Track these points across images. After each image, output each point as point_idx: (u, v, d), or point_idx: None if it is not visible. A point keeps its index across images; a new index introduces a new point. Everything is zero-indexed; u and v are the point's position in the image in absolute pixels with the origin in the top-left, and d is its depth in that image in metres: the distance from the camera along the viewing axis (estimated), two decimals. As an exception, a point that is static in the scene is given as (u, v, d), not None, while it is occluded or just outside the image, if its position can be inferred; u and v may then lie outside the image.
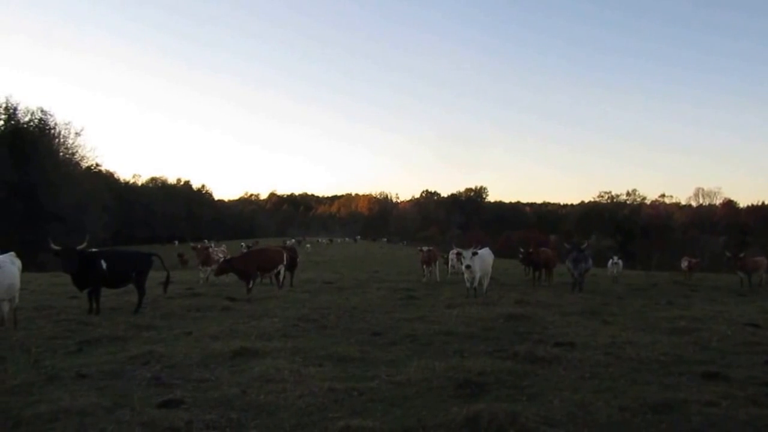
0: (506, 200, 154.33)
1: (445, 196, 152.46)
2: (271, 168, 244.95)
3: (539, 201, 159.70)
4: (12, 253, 10.50)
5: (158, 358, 7.39)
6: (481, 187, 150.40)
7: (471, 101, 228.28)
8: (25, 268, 11.11)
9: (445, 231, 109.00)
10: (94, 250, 12.50)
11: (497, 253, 19.34)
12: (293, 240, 32.41)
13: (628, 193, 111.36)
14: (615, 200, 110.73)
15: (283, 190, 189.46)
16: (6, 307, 10.02)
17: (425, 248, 22.92)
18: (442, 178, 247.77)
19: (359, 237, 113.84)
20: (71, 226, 49.31)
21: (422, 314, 11.70)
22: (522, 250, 23.29)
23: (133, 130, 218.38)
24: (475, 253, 14.78)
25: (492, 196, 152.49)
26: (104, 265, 11.72)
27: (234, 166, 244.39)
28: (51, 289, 16.80)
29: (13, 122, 62.10)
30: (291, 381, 6.24)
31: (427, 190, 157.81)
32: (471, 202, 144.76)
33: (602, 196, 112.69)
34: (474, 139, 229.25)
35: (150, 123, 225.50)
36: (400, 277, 22.83)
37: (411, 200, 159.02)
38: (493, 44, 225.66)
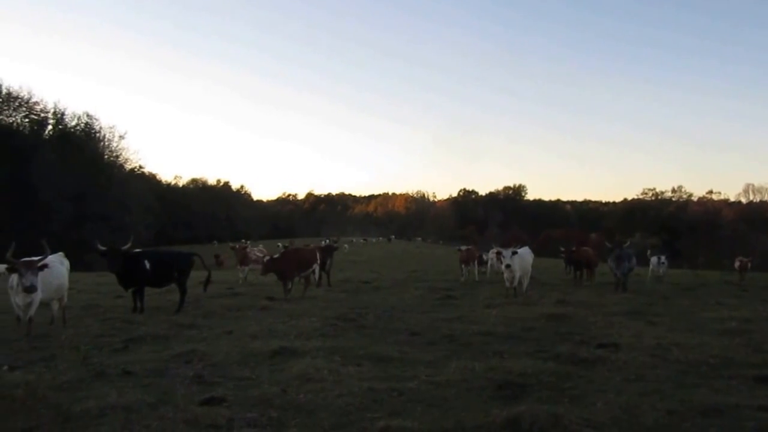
0: (546, 198, 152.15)
1: (483, 194, 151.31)
2: (308, 168, 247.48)
3: (580, 199, 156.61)
4: (61, 253, 10.84)
5: (200, 356, 7.51)
6: (520, 185, 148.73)
7: (508, 99, 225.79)
8: (73, 268, 11.44)
9: (483, 230, 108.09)
10: (138, 250, 12.82)
11: (537, 252, 19.02)
12: (327, 240, 32.67)
13: (673, 190, 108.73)
14: (660, 197, 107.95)
15: (321, 190, 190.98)
16: (56, 306, 10.37)
17: (463, 247, 22.74)
18: (480, 176, 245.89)
19: (393, 236, 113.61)
20: (116, 226, 50.86)
21: (461, 314, 11.60)
22: (563, 249, 22.84)
23: (174, 132, 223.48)
24: (514, 252, 14.56)
25: (531, 194, 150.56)
26: (148, 265, 11.99)
27: (272, 167, 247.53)
28: (97, 289, 17.29)
29: (61, 127, 64.38)
30: (330, 380, 6.25)
31: (464, 189, 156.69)
32: (509, 200, 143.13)
33: (646, 193, 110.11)
34: (512, 136, 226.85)
35: (191, 125, 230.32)
36: (437, 277, 22.69)
37: (448, 199, 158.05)
38: (527, 42, 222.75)
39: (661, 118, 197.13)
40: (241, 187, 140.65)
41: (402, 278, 22.50)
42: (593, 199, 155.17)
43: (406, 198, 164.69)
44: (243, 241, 29.96)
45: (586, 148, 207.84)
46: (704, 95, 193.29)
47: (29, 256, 9.31)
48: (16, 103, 60.17)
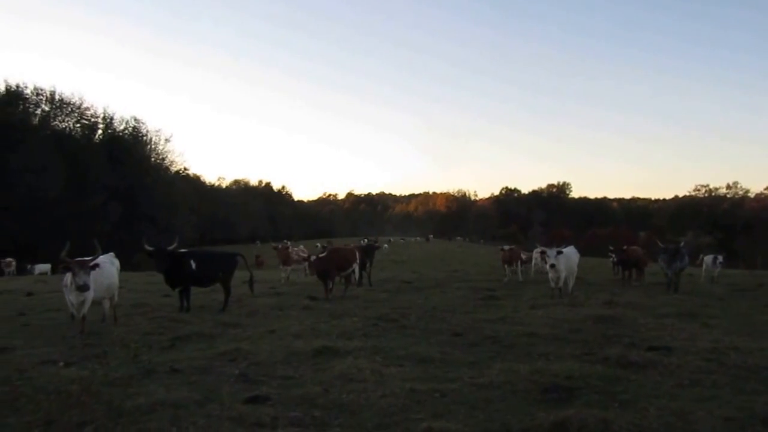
0: (591, 196, 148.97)
1: (526, 192, 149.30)
2: (349, 168, 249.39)
3: (628, 196, 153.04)
4: (111, 253, 11.17)
5: (244, 355, 7.60)
6: (564, 183, 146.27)
7: (552, 97, 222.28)
8: (123, 268, 11.77)
9: (526, 229, 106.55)
10: (184, 250, 13.09)
11: (582, 252, 18.56)
12: (365, 240, 32.85)
13: (728, 186, 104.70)
14: (713, 194, 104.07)
15: (361, 190, 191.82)
16: (107, 304, 10.70)
17: (506, 247, 22.44)
18: (522, 174, 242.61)
19: (432, 236, 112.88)
20: (162, 227, 52.21)
21: (504, 315, 11.41)
22: (612, 248, 22.24)
23: (217, 134, 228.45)
24: (559, 252, 14.24)
25: (576, 192, 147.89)
26: (194, 265, 12.24)
27: (313, 168, 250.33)
28: (146, 288, 17.76)
29: (110, 131, 66.55)
30: (372, 381, 6.23)
31: (506, 187, 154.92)
32: (554, 198, 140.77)
33: (699, 190, 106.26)
34: (556, 134, 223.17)
35: (233, 127, 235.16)
36: (480, 277, 22.44)
37: (490, 197, 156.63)
38: (570, 39, 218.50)
39: (714, 113, 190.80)
40: (283, 187, 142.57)
41: (443, 278, 22.34)
42: (642, 196, 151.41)
43: (447, 197, 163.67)
44: (285, 241, 30.30)
45: (634, 144, 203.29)
46: (759, 90, 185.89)
47: (82, 256, 9.61)
48: (69, 109, 62.57)
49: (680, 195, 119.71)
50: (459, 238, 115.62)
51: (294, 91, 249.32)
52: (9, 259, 35.91)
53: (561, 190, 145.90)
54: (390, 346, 8.26)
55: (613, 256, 21.98)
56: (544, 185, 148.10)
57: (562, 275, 14.42)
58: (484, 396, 5.78)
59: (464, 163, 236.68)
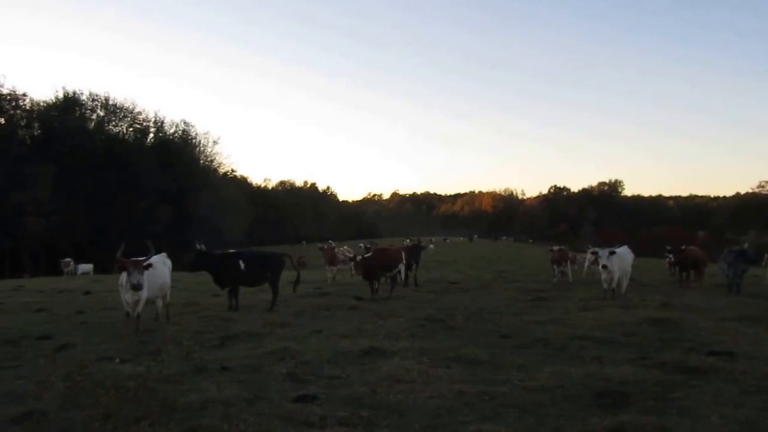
0: (645, 194, 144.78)
1: (576, 191, 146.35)
2: (394, 168, 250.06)
3: (684, 194, 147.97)
4: (164, 253, 11.45)
5: (292, 354, 7.66)
6: (616, 181, 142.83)
7: (603, 94, 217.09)
8: (174, 268, 12.07)
9: (576, 228, 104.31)
10: (233, 251, 13.32)
11: (637, 252, 17.92)
12: (408, 240, 32.77)
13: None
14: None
15: (406, 190, 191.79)
16: (160, 303, 10.98)
17: (556, 247, 21.98)
18: (572, 172, 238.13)
19: (476, 236, 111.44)
20: (211, 228, 53.46)
21: (554, 317, 11.16)
22: (669, 248, 21.46)
23: (264, 136, 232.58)
24: (612, 252, 13.79)
25: (629, 190, 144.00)
26: (242, 265, 12.44)
27: (358, 168, 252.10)
28: (196, 287, 18.17)
29: (161, 134, 68.66)
30: (420, 382, 6.18)
31: (555, 186, 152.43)
32: (605, 196, 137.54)
33: (763, 186, 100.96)
34: (607, 131, 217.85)
35: (279, 129, 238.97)
36: (528, 278, 22.02)
37: (538, 196, 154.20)
38: (624, 36, 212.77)
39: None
40: (328, 188, 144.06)
41: (490, 279, 22.05)
42: (700, 194, 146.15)
43: (494, 196, 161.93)
44: (330, 242, 30.52)
45: (691, 141, 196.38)
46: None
47: (135, 257, 9.88)
48: (122, 114, 65.02)
49: (741, 192, 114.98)
50: (505, 237, 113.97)
51: (339, 93, 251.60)
52: (68, 260, 37.43)
53: (613, 188, 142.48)
54: (437, 347, 8.19)
55: (670, 256, 21.19)
56: (594, 183, 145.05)
57: (616, 276, 14.00)
58: (534, 399, 5.65)
59: (511, 161, 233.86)
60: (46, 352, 8.16)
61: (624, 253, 14.64)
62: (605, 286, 14.07)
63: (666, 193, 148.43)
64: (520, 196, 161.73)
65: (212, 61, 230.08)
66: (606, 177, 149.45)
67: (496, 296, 15.35)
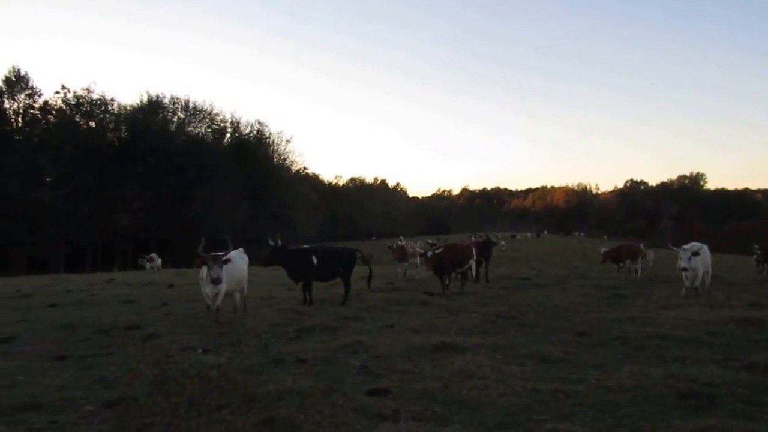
0: (730, 187, 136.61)
1: (654, 184, 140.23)
2: (463, 164, 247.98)
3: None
4: (241, 249, 11.86)
5: (365, 348, 7.78)
6: (698, 174, 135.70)
7: (678, 85, 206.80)
8: (251, 263, 12.50)
9: (654, 223, 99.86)
10: (306, 246, 13.63)
11: (721, 248, 16.99)
12: (474, 236, 32.44)
13: None
14: None
15: (476, 185, 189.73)
16: (238, 296, 11.40)
17: (603, 249, 21.51)
18: (649, 165, 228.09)
19: (546, 231, 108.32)
20: (285, 224, 54.90)
21: (632, 315, 10.78)
22: (757, 245, 20.23)
23: (334, 134, 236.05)
24: (695, 254, 13.05)
25: (711, 183, 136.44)
26: (315, 260, 12.72)
27: (428, 164, 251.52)
28: (271, 281, 18.70)
29: (237, 134, 71.07)
30: (492, 378, 6.14)
31: (631, 179, 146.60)
32: (685, 190, 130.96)
33: None
34: (688, 122, 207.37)
35: (349, 126, 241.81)
36: (604, 274, 21.29)
37: (613, 191, 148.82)
38: (707, 27, 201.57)
39: None
40: (397, 184, 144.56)
41: (564, 275, 21.50)
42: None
43: (566, 190, 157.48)
44: (400, 238, 30.58)
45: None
46: None
47: (214, 252, 10.31)
48: (201, 116, 67.78)
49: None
50: (578, 233, 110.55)
51: (408, 92, 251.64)
52: (152, 255, 39.38)
53: (694, 181, 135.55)
54: (510, 343, 8.12)
55: (758, 252, 19.95)
56: (674, 176, 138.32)
57: (700, 273, 13.32)
58: (612, 399, 5.50)
59: (584, 155, 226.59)
60: (135, 342, 8.56)
61: (704, 251, 13.83)
62: (688, 283, 13.43)
63: (753, 186, 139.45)
64: (594, 191, 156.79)
65: (288, 61, 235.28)
66: (686, 170, 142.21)
67: (570, 293, 14.99)
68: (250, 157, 66.55)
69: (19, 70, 55.12)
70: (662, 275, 19.96)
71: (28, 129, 56.08)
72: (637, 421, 4.88)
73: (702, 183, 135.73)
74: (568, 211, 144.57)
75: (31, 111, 56.08)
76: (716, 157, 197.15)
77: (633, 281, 18.25)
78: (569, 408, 5.28)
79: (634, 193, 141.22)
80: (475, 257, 16.15)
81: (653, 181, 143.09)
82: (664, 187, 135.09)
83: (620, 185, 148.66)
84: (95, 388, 6.13)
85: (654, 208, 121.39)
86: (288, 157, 78.15)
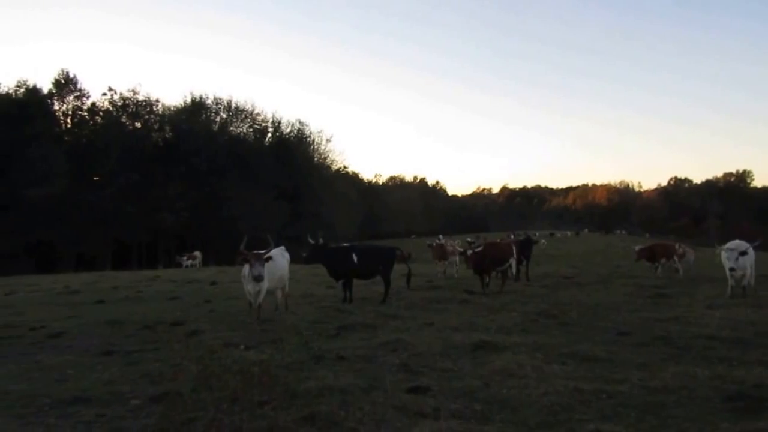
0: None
1: (698, 182, 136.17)
2: (503, 162, 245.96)
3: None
4: (282, 247, 12.04)
5: (405, 346, 7.81)
6: (744, 171, 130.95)
7: (722, 81, 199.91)
8: (292, 261, 12.68)
9: (699, 222, 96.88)
10: (345, 245, 13.75)
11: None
12: (512, 234, 32.00)
13: None
14: None
15: (516, 184, 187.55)
16: (279, 294, 11.58)
17: (637, 247, 21.10)
18: (693, 163, 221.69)
19: (587, 230, 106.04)
20: (325, 222, 55.37)
21: (677, 314, 10.52)
22: None
23: (373, 133, 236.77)
24: (743, 254, 12.65)
25: (759, 181, 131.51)
26: (356, 258, 12.82)
27: (468, 162, 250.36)
28: (312, 279, 18.92)
29: (278, 134, 71.94)
30: (533, 377, 6.10)
31: (675, 177, 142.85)
32: (732, 188, 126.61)
33: None
34: (731, 120, 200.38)
35: (389, 127, 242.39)
36: (647, 273, 20.80)
37: (656, 188, 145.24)
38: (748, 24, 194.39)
39: None
40: (437, 182, 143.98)
41: (606, 274, 21.10)
42: None
43: (608, 188, 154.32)
44: (439, 237, 30.48)
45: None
46: None
47: (256, 250, 10.49)
48: (243, 116, 68.82)
49: None
50: (619, 231, 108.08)
51: (451, 90, 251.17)
52: (195, 253, 40.25)
53: (740, 178, 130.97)
54: (551, 342, 8.04)
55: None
56: (720, 174, 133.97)
57: (748, 272, 12.92)
58: (656, 400, 5.41)
59: (626, 153, 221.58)
60: (180, 338, 8.83)
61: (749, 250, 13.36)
62: (733, 282, 13.03)
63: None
64: (636, 189, 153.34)
65: (332, 64, 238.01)
66: (732, 167, 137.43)
67: (613, 292, 14.72)
68: (290, 156, 67.25)
69: (68, 72, 56.83)
70: (707, 275, 19.38)
71: (76, 130, 57.82)
72: (682, 423, 4.79)
73: (748, 181, 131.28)
74: (609, 210, 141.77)
75: (80, 112, 57.80)
76: (763, 155, 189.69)
77: (677, 280, 17.79)
78: (612, 408, 5.20)
79: (678, 190, 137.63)
80: (515, 256, 16.01)
81: (698, 178, 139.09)
82: (710, 185, 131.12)
83: (663, 183, 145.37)
84: (141, 383, 6.29)
85: (699, 206, 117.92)
86: (328, 156, 78.87)
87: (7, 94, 53.11)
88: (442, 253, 20.61)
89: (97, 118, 58.37)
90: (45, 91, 55.59)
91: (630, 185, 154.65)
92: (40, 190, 45.33)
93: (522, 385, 5.83)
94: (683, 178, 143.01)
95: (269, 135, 72.37)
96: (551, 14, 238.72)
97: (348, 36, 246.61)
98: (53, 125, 55.16)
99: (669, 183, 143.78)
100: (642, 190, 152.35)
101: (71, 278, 24.78)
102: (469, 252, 15.31)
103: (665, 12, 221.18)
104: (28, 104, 51.23)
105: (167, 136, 62.39)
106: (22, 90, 53.26)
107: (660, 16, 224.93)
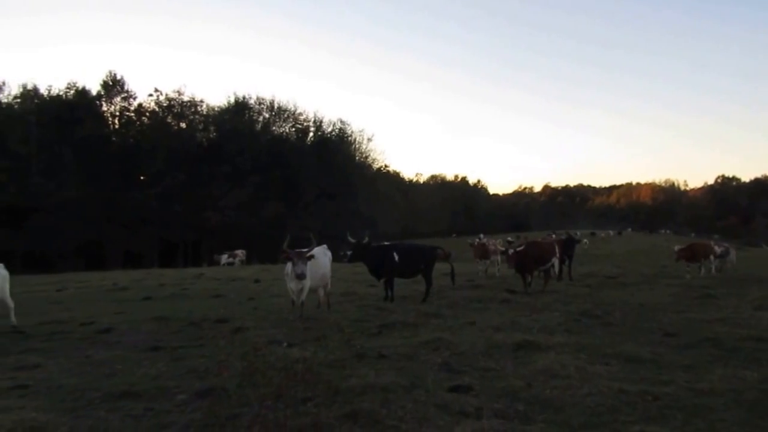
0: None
1: (747, 180, 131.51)
2: (545, 161, 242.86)
3: None
4: (324, 245, 12.17)
5: (446, 344, 7.85)
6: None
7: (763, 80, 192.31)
8: (333, 259, 12.81)
9: (747, 221, 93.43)
10: (387, 243, 13.82)
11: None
12: (553, 233, 31.43)
13: None
14: None
15: (558, 182, 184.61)
16: (321, 292, 11.70)
17: (677, 247, 20.77)
18: (742, 161, 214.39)
19: (630, 229, 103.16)
20: (366, 221, 55.61)
21: (724, 316, 10.28)
22: None
23: (415, 133, 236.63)
24: None
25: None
26: (397, 257, 12.88)
27: (510, 161, 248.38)
28: (353, 278, 19.01)
29: (320, 134, 72.53)
30: (577, 378, 6.07)
31: (723, 175, 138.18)
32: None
33: None
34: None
35: (431, 126, 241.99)
36: (694, 273, 20.27)
37: (703, 187, 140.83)
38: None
39: None
40: (478, 181, 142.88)
41: (651, 274, 20.62)
42: None
43: (653, 187, 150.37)
44: (480, 235, 30.32)
45: None
46: None
47: (298, 248, 10.64)
48: (285, 115, 69.69)
49: None
50: (664, 230, 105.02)
51: (493, 90, 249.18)
52: (237, 251, 40.89)
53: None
54: (594, 343, 7.97)
55: None
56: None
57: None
58: (704, 403, 5.33)
59: (671, 151, 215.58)
60: (224, 334, 8.97)
61: None
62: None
63: None
64: (682, 187, 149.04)
65: (371, 63, 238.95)
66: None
67: (658, 292, 14.41)
68: (332, 155, 67.65)
69: (115, 74, 58.53)
70: (756, 275, 18.75)
71: (124, 131, 59.45)
72: (731, 427, 4.72)
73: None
74: (654, 209, 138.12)
75: (127, 113, 59.42)
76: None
77: (724, 281, 17.26)
78: (658, 410, 5.15)
79: (725, 189, 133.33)
80: (558, 255, 15.82)
81: (746, 177, 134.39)
82: (759, 184, 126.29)
83: (710, 181, 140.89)
84: (187, 378, 6.48)
85: (747, 205, 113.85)
86: (369, 155, 79.08)
87: (59, 95, 55.10)
88: (483, 252, 20.50)
89: (143, 118, 59.93)
90: (93, 92, 57.50)
91: (675, 184, 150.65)
92: (89, 191, 46.78)
93: (565, 386, 5.81)
94: (731, 176, 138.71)
95: (311, 134, 72.97)
96: (595, 12, 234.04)
97: (392, 36, 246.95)
98: (102, 126, 56.86)
99: (716, 181, 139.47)
100: (688, 188, 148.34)
101: (119, 275, 25.55)
102: (510, 251, 15.19)
103: (715, 10, 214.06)
104: (78, 106, 52.97)
105: (211, 136, 63.52)
106: (72, 92, 55.15)
107: (710, 14, 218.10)
